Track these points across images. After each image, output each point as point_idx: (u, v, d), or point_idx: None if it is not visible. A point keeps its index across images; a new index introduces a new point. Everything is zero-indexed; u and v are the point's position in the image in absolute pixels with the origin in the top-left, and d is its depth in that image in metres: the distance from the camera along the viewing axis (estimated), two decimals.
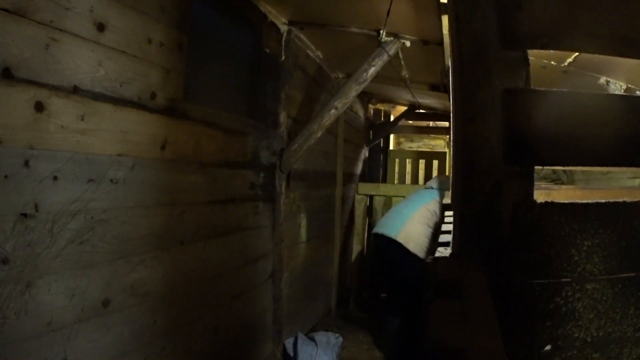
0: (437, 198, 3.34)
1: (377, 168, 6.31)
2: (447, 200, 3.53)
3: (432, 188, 3.54)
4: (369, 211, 5.00)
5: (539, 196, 1.07)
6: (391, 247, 3.10)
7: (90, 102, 1.37)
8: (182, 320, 1.88)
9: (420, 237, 3.13)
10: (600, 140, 1.06)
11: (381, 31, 2.62)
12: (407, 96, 4.81)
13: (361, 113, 5.30)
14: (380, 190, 4.94)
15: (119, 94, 1.48)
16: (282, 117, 2.82)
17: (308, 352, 2.82)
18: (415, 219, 3.17)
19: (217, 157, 2.11)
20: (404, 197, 3.93)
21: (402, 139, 8.34)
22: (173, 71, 1.74)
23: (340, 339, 3.18)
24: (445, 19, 2.28)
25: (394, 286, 3.32)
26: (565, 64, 2.74)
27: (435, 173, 6.69)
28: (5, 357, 1.13)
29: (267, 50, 2.64)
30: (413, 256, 3.06)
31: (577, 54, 2.54)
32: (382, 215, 4.25)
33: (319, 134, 2.79)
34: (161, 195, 1.71)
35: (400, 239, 3.07)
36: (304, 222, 3.38)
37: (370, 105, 5.70)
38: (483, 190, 1.05)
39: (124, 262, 1.53)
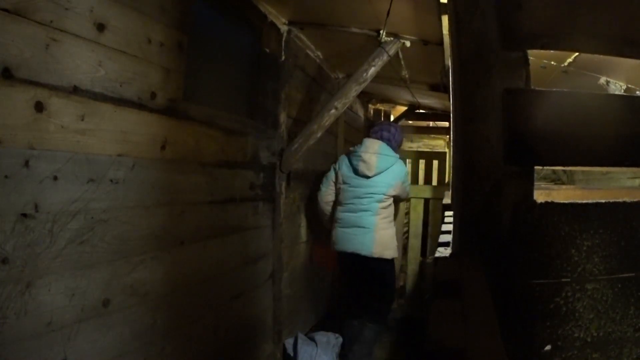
0: (389, 190, 2.99)
1: None
2: (447, 200, 3.50)
3: (367, 177, 2.99)
4: None
5: (539, 196, 1.07)
6: (368, 261, 2.97)
7: (90, 102, 1.37)
8: (182, 320, 1.88)
9: (391, 240, 3.03)
10: (600, 140, 1.06)
11: (381, 31, 2.62)
12: (407, 96, 4.81)
13: (361, 113, 5.30)
14: None
15: (119, 94, 1.48)
16: (282, 117, 2.82)
17: (308, 352, 2.82)
18: (380, 227, 2.98)
19: (217, 157, 2.11)
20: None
21: None
22: (173, 71, 1.74)
23: (340, 339, 3.17)
24: (445, 19, 2.28)
25: (372, 289, 3.11)
26: (565, 64, 2.74)
27: (435, 173, 6.69)
28: (5, 357, 1.13)
29: (267, 51, 2.64)
30: (391, 260, 3.03)
31: (577, 54, 2.54)
32: None
33: (319, 134, 2.79)
34: (161, 195, 1.71)
35: (377, 254, 2.94)
36: (304, 222, 3.38)
37: (370, 105, 5.70)
38: (483, 190, 1.06)
39: (124, 262, 1.53)
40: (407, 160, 6.47)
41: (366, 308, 3.10)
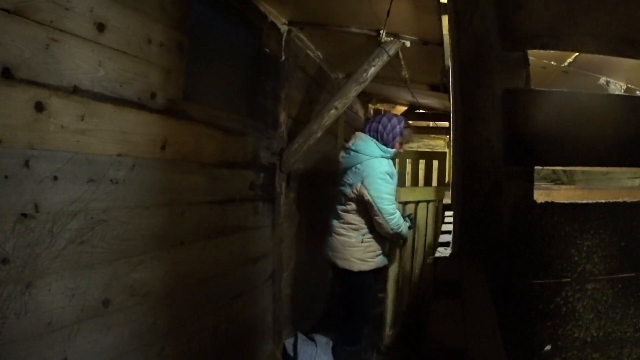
0: (348, 191, 2.63)
1: None
2: (447, 200, 3.49)
3: (343, 184, 2.69)
4: None
5: (539, 196, 1.07)
6: (330, 263, 2.79)
7: (90, 102, 1.37)
8: (182, 320, 1.88)
9: (346, 250, 2.66)
10: (600, 140, 1.06)
11: (381, 31, 2.62)
12: (407, 96, 4.81)
13: (361, 113, 5.30)
14: None
15: (119, 94, 1.48)
16: (282, 117, 2.82)
17: (308, 352, 2.82)
18: (336, 232, 2.71)
19: (217, 157, 2.11)
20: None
21: None
22: (173, 71, 1.74)
23: None
24: (445, 19, 2.28)
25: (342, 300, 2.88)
26: (565, 64, 2.74)
27: (435, 173, 6.68)
28: (5, 357, 1.13)
29: (267, 50, 2.64)
30: (345, 271, 2.68)
31: (577, 54, 2.54)
32: None
33: (319, 134, 2.79)
34: (161, 195, 1.71)
35: (330, 257, 2.75)
36: (304, 222, 3.37)
37: (370, 105, 5.70)
38: (483, 190, 1.06)
39: (124, 262, 1.53)
40: (407, 160, 6.43)
41: (340, 319, 2.91)
